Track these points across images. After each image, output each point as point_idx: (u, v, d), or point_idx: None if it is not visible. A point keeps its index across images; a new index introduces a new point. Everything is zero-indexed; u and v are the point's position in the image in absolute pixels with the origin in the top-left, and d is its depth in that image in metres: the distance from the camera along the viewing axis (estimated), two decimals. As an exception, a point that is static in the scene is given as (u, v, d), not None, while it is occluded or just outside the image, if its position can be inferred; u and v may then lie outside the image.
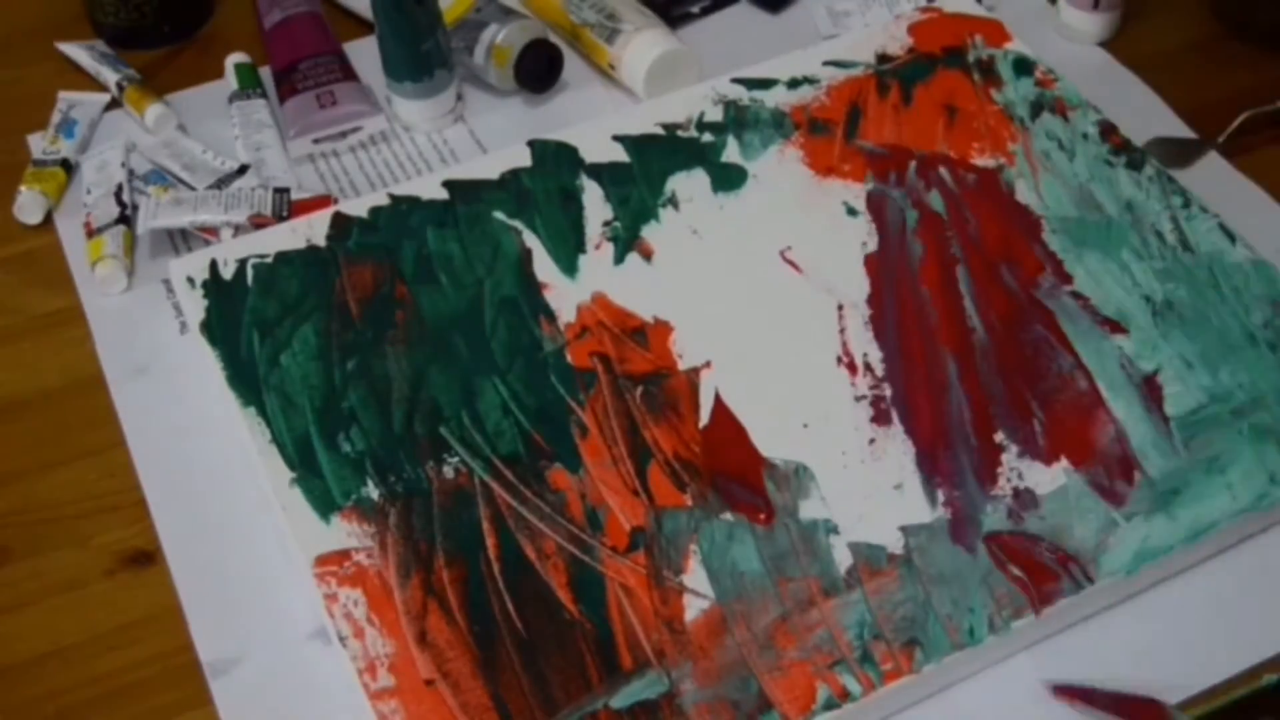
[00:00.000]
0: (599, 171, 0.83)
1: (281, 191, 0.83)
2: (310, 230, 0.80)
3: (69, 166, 0.88)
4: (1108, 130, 0.84)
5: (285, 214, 0.82)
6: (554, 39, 0.91)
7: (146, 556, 0.70)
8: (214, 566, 0.69)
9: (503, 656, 0.63)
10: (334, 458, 0.70)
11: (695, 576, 0.65)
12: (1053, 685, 0.63)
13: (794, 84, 0.87)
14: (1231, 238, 0.78)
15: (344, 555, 0.66)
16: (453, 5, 0.89)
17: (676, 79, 0.90)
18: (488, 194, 0.82)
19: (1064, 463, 0.69)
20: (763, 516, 0.67)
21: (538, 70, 0.89)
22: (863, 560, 0.66)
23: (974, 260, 0.78)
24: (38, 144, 0.89)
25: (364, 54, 0.93)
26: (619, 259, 0.79)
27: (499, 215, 0.80)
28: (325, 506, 0.68)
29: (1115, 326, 0.74)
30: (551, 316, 0.76)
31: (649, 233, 0.80)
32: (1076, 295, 0.76)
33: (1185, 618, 0.66)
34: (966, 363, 0.73)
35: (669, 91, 0.89)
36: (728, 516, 0.67)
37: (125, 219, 0.83)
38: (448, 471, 0.69)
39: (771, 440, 0.70)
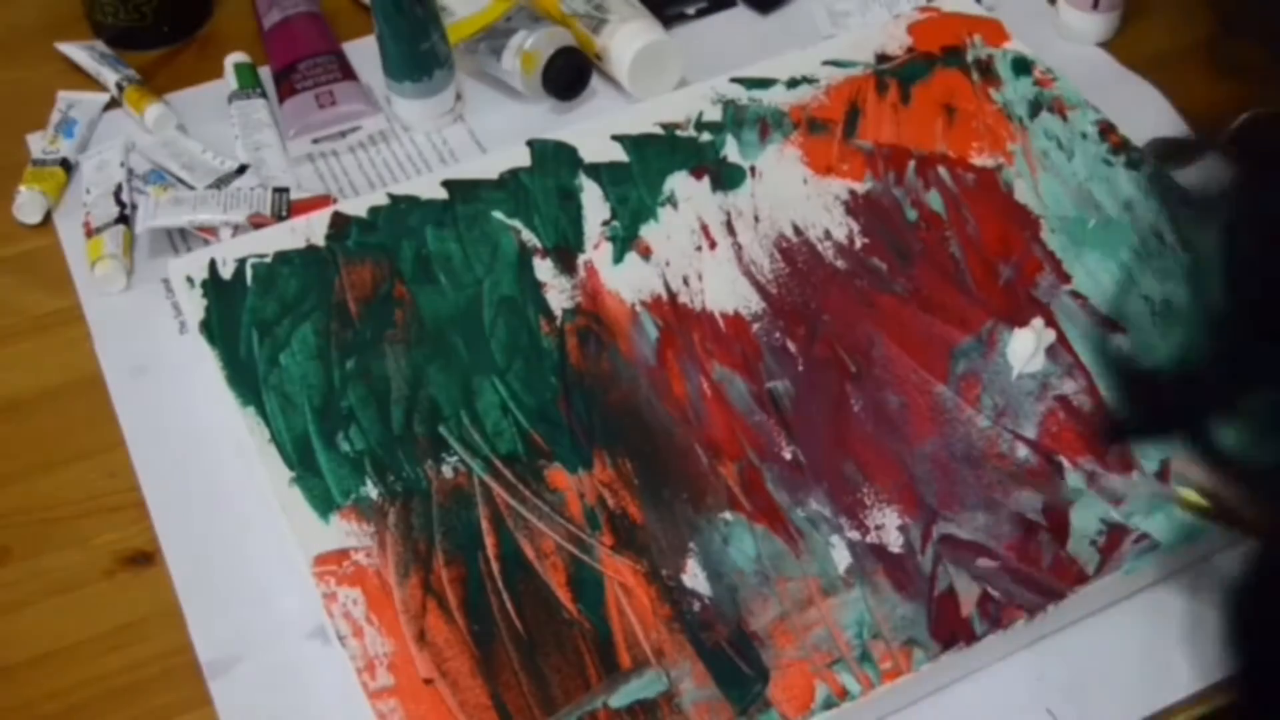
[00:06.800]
0: (598, 171, 0.83)
1: (281, 191, 0.83)
2: (309, 230, 0.80)
3: (68, 166, 0.88)
4: (1107, 130, 0.84)
5: (284, 214, 0.82)
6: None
7: (146, 556, 0.70)
8: (214, 566, 0.69)
9: (501, 656, 0.63)
10: (333, 457, 0.70)
11: (693, 576, 0.65)
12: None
13: (793, 83, 0.87)
14: (1230, 237, 0.78)
15: (343, 555, 0.66)
16: (484, 11, 0.89)
17: (662, 71, 0.90)
18: (487, 193, 0.82)
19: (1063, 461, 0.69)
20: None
21: (565, 77, 0.89)
22: (861, 560, 0.66)
23: (972, 259, 0.78)
24: (37, 143, 0.89)
25: (364, 54, 0.93)
26: (618, 258, 0.79)
27: (498, 215, 0.80)
28: (324, 506, 0.68)
29: (1114, 326, 0.74)
30: (551, 316, 0.76)
31: (648, 232, 0.80)
32: (1075, 295, 0.76)
33: (1185, 616, 0.66)
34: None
35: (655, 83, 0.89)
36: (726, 515, 0.67)
37: (124, 218, 0.83)
38: (446, 471, 0.69)
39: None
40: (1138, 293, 0.56)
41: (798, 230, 0.80)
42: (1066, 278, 0.77)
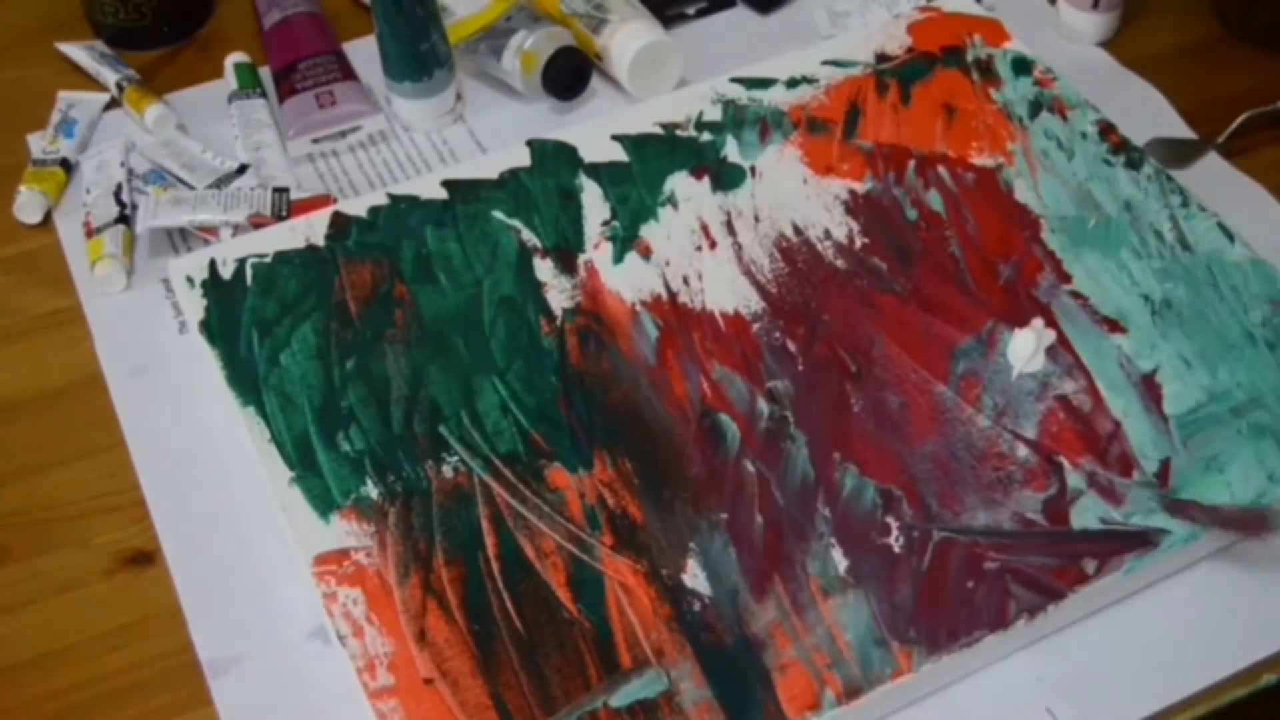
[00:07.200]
0: (598, 171, 0.83)
1: (281, 191, 0.83)
2: (309, 230, 0.80)
3: (68, 166, 0.88)
4: (1106, 129, 0.84)
5: (284, 213, 0.82)
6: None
7: (146, 556, 0.70)
8: (214, 566, 0.69)
9: (501, 655, 0.63)
10: (333, 457, 0.70)
11: (694, 576, 0.65)
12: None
13: (793, 83, 0.87)
14: (1230, 237, 0.78)
15: (343, 554, 0.66)
16: (484, 11, 0.89)
17: (662, 71, 0.90)
18: (487, 193, 0.82)
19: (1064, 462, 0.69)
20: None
21: (565, 77, 0.89)
22: (862, 560, 0.66)
23: (972, 259, 0.78)
24: (37, 144, 0.89)
25: (364, 54, 0.93)
26: (618, 258, 0.79)
27: (498, 214, 0.81)
28: (324, 506, 0.68)
29: (1114, 325, 0.74)
30: (551, 315, 0.76)
31: (648, 232, 0.80)
32: (1075, 294, 0.76)
33: (1185, 617, 0.66)
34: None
35: (655, 83, 0.89)
36: (726, 515, 0.67)
37: (125, 218, 0.83)
38: (447, 471, 0.69)
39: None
40: None
41: (798, 230, 0.80)
42: (1066, 278, 0.77)
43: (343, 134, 0.89)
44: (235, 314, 0.76)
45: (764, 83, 0.87)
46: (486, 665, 0.62)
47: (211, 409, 0.74)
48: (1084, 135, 0.84)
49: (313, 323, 0.75)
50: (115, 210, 0.83)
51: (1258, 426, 0.70)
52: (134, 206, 0.84)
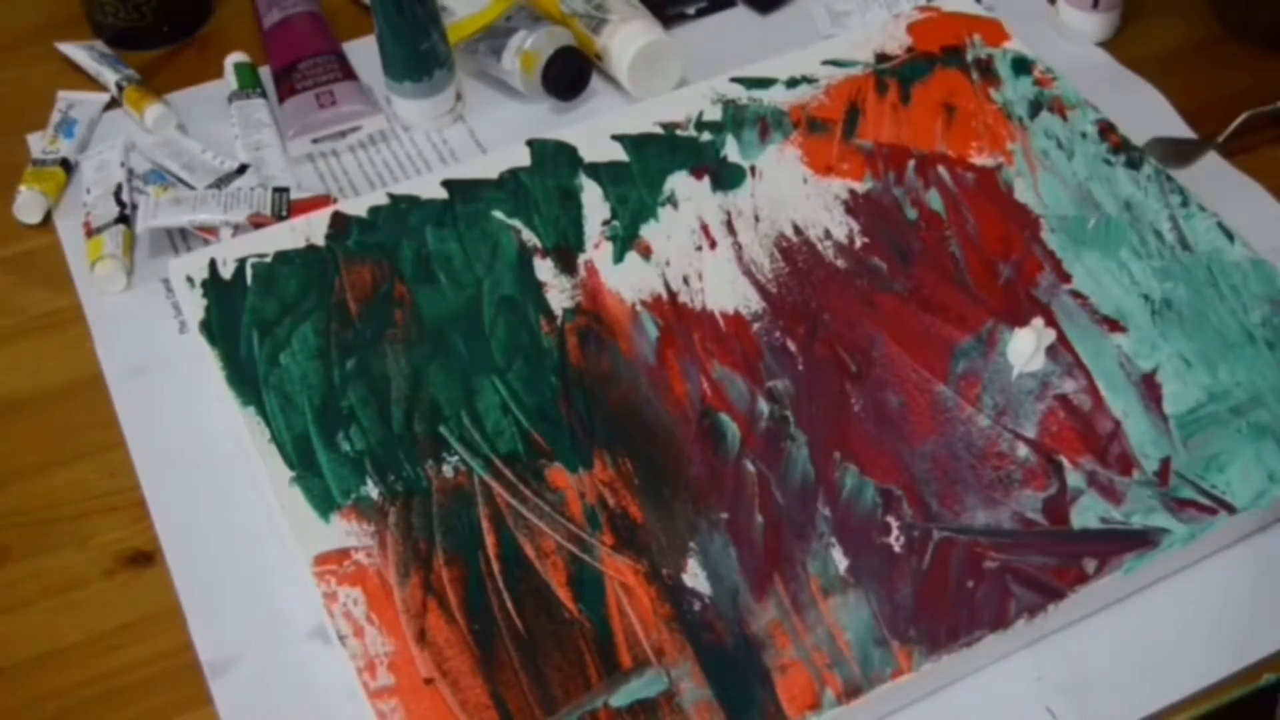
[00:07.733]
0: (598, 171, 0.83)
1: (281, 191, 0.83)
2: (309, 230, 0.80)
3: (68, 166, 0.88)
4: (1106, 129, 0.84)
5: (284, 213, 0.82)
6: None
7: (146, 556, 0.70)
8: (214, 566, 0.69)
9: (502, 655, 0.63)
10: (333, 457, 0.70)
11: (694, 576, 0.65)
12: None
13: (793, 83, 0.87)
14: (1230, 236, 0.78)
15: (343, 554, 0.66)
16: (484, 11, 0.89)
17: (662, 71, 0.90)
18: (487, 193, 0.82)
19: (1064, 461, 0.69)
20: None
21: (565, 77, 0.89)
22: (862, 559, 0.66)
23: (972, 259, 0.78)
24: (37, 144, 0.89)
25: (364, 54, 0.93)
26: (618, 258, 0.79)
27: (498, 214, 0.81)
28: (325, 505, 0.68)
29: (1114, 325, 0.74)
30: (551, 315, 0.76)
31: (648, 231, 0.80)
32: (1075, 294, 0.76)
33: (1185, 617, 0.66)
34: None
35: (655, 83, 0.90)
36: (726, 515, 0.67)
37: (125, 218, 0.83)
38: (447, 470, 0.69)
39: (771, 439, 0.70)
40: None
41: (798, 230, 0.80)
42: (1066, 277, 0.77)
43: (343, 134, 0.89)
44: (235, 314, 0.76)
45: (764, 83, 0.87)
46: (487, 665, 0.62)
47: (211, 409, 0.74)
48: (1084, 135, 0.84)
49: (313, 323, 0.75)
50: (115, 210, 0.83)
51: (1258, 426, 0.70)
52: (134, 206, 0.84)
